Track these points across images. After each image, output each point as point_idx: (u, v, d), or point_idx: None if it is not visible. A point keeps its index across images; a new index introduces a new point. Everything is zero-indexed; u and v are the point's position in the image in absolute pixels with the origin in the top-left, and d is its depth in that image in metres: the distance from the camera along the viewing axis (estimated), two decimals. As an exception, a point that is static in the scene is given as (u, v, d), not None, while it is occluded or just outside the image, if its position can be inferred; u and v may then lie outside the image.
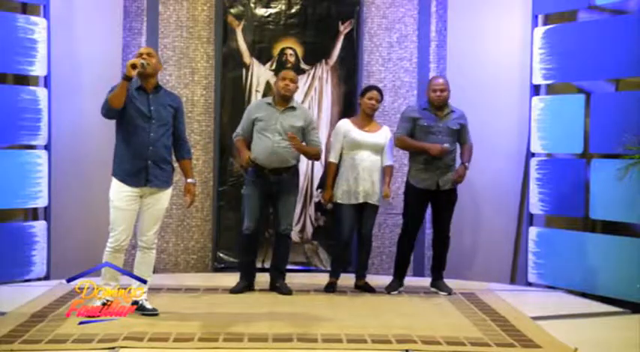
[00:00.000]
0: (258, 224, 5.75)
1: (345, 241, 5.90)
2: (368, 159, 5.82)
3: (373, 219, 5.94)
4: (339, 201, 5.85)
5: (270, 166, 5.63)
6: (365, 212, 5.87)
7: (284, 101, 5.69)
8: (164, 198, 4.96)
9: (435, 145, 5.71)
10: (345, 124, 5.93)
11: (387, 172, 5.91)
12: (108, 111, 4.72)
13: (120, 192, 4.82)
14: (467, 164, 5.82)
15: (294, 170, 5.77)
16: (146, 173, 4.82)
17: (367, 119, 5.92)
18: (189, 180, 5.10)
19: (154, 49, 6.59)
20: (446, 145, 5.71)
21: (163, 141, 4.88)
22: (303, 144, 5.69)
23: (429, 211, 6.13)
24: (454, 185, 5.82)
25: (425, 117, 5.80)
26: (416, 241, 6.06)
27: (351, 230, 5.88)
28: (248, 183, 5.78)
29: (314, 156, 5.85)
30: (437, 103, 5.79)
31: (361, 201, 5.81)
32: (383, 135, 5.90)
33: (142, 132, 4.80)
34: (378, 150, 5.85)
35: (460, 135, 5.85)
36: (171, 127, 4.94)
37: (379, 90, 5.95)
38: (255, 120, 5.67)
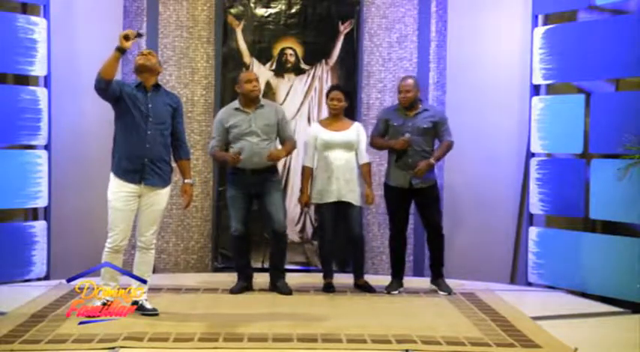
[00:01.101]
0: (246, 225, 5.76)
1: (328, 240, 5.91)
2: (342, 158, 5.82)
3: (359, 219, 5.94)
4: (315, 202, 5.88)
5: (252, 168, 5.64)
6: (347, 212, 5.85)
7: (252, 102, 5.70)
8: (162, 197, 4.95)
9: (398, 140, 5.74)
10: (315, 127, 5.97)
11: (365, 171, 5.90)
12: (98, 82, 4.67)
13: (118, 192, 4.82)
14: (432, 160, 5.75)
15: (273, 167, 5.78)
16: (142, 171, 4.83)
17: (334, 118, 5.93)
18: (186, 181, 5.10)
19: (154, 49, 6.61)
20: (407, 135, 5.71)
21: (161, 140, 4.89)
22: (277, 148, 5.73)
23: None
24: (417, 179, 5.76)
25: (394, 118, 5.83)
26: (407, 239, 6.05)
27: (332, 228, 5.87)
28: (230, 186, 5.77)
29: (292, 151, 5.93)
30: (403, 104, 5.81)
31: (335, 199, 5.80)
32: (354, 132, 5.90)
33: (139, 130, 4.81)
34: (350, 147, 5.86)
35: (436, 134, 5.84)
36: (169, 127, 4.94)
37: (341, 90, 5.98)
38: (230, 128, 5.66)
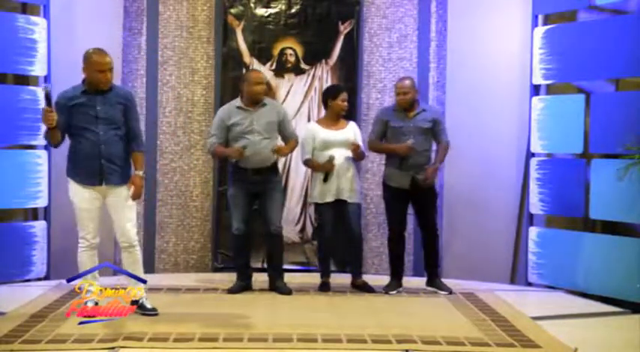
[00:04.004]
0: (247, 224, 5.76)
1: (326, 239, 5.92)
2: (340, 157, 5.81)
3: (357, 217, 5.92)
4: (315, 201, 5.89)
5: (253, 166, 5.64)
6: (346, 210, 5.85)
7: (256, 102, 5.69)
8: (124, 193, 4.89)
9: (402, 145, 5.73)
10: (313, 127, 5.95)
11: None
12: (51, 145, 4.88)
13: (80, 193, 4.84)
14: (438, 165, 5.81)
15: (274, 167, 5.78)
16: (101, 172, 4.82)
17: (336, 119, 5.92)
18: (136, 172, 4.97)
19: (154, 49, 6.62)
20: (410, 141, 5.70)
21: (116, 139, 4.85)
22: (280, 144, 5.73)
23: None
24: (425, 185, 5.78)
25: (394, 119, 5.81)
26: (405, 239, 6.05)
27: (331, 228, 5.89)
28: (231, 184, 5.78)
29: (295, 148, 5.92)
30: (402, 105, 5.80)
31: (333, 198, 5.80)
32: (351, 130, 5.92)
33: (92, 134, 4.79)
34: (348, 146, 5.84)
35: (433, 133, 5.83)
36: (122, 125, 4.88)
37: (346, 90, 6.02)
38: (232, 127, 5.65)
